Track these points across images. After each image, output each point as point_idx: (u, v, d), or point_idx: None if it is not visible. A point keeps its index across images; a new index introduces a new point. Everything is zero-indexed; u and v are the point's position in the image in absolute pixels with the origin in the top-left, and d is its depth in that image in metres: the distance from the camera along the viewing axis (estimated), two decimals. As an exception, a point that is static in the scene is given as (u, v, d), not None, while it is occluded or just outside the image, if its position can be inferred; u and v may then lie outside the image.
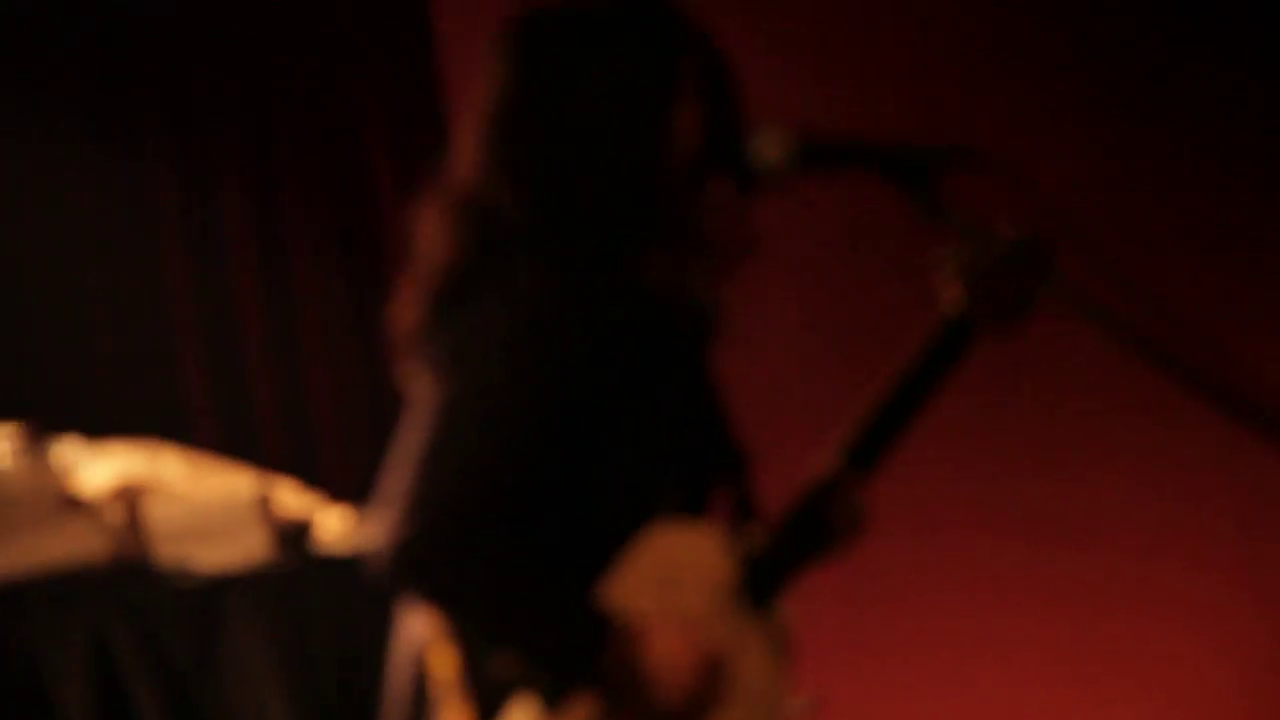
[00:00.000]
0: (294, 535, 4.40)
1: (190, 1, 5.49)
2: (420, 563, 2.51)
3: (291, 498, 4.61)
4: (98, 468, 4.34)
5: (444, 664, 2.64)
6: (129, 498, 4.31)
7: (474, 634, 2.61)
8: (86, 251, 5.51)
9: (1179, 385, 2.40)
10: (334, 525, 4.45)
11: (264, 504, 4.32)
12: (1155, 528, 4.92)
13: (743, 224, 2.72)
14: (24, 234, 5.47)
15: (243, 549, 4.26)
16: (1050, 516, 4.96)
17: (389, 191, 5.39)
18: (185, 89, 5.45)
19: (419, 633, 2.71)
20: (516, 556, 2.52)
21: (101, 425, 4.70)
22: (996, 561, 4.99)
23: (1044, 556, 4.95)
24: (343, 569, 4.19)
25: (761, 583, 2.71)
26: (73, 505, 4.20)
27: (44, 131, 5.48)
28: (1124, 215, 4.96)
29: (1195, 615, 4.85)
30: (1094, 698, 4.90)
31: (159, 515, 4.28)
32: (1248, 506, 4.85)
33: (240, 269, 5.47)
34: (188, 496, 4.35)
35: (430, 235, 2.66)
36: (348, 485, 4.67)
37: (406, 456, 2.57)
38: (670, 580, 2.64)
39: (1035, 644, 4.90)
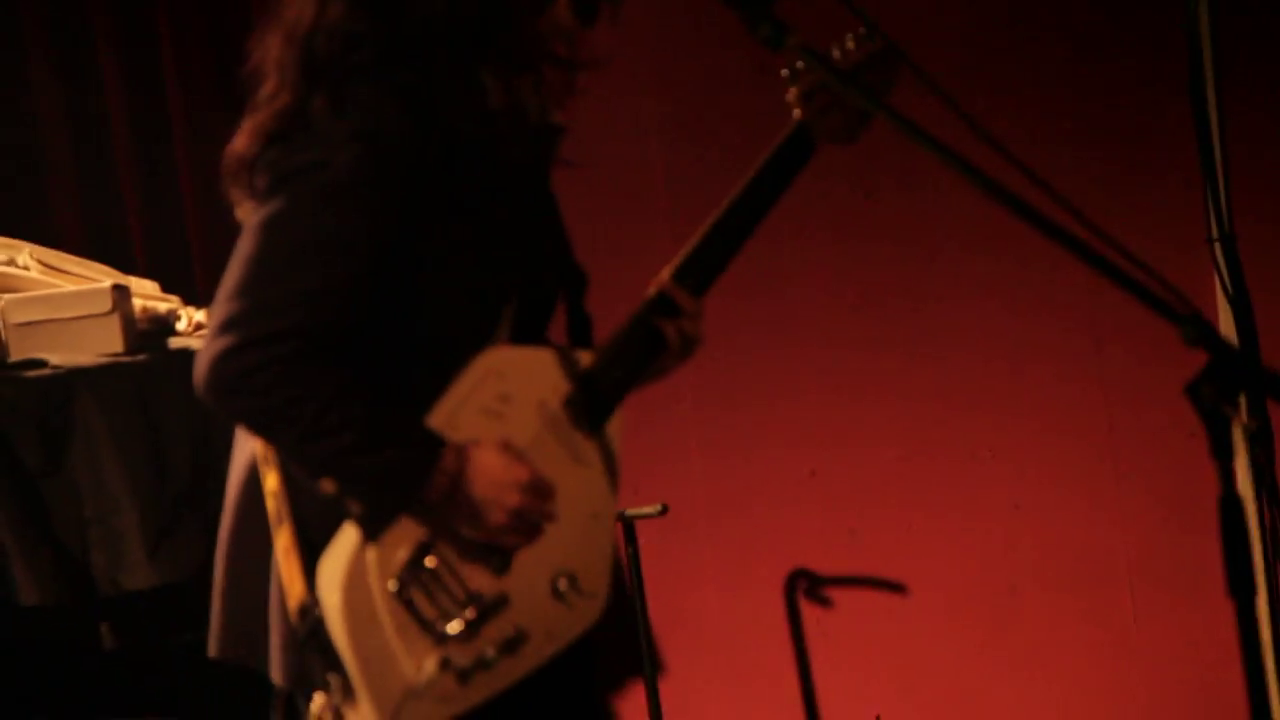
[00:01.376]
0: (151, 331, 4.39)
1: None
2: (230, 385, 2.48)
3: (151, 294, 4.59)
4: (-49, 264, 4.30)
5: (271, 481, 2.63)
6: (-18, 291, 4.28)
7: (288, 456, 2.58)
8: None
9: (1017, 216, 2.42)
10: (197, 320, 4.44)
11: (120, 298, 4.29)
12: (1014, 338, 4.99)
13: (582, 45, 2.72)
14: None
15: (98, 342, 4.24)
16: (913, 329, 5.03)
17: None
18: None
19: (251, 446, 2.69)
20: (331, 378, 2.48)
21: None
22: (855, 368, 5.06)
23: (902, 365, 5.02)
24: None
25: (597, 399, 2.74)
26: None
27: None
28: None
29: (1048, 416, 4.95)
30: (943, 490, 5.02)
31: (12, 309, 4.25)
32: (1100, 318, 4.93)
33: (112, 86, 5.38)
34: (43, 290, 4.32)
35: (265, 63, 2.62)
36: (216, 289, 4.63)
37: (229, 271, 2.53)
38: (498, 406, 2.63)
39: (888, 441, 4.99)
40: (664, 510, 4.58)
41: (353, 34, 2.56)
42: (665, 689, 4.95)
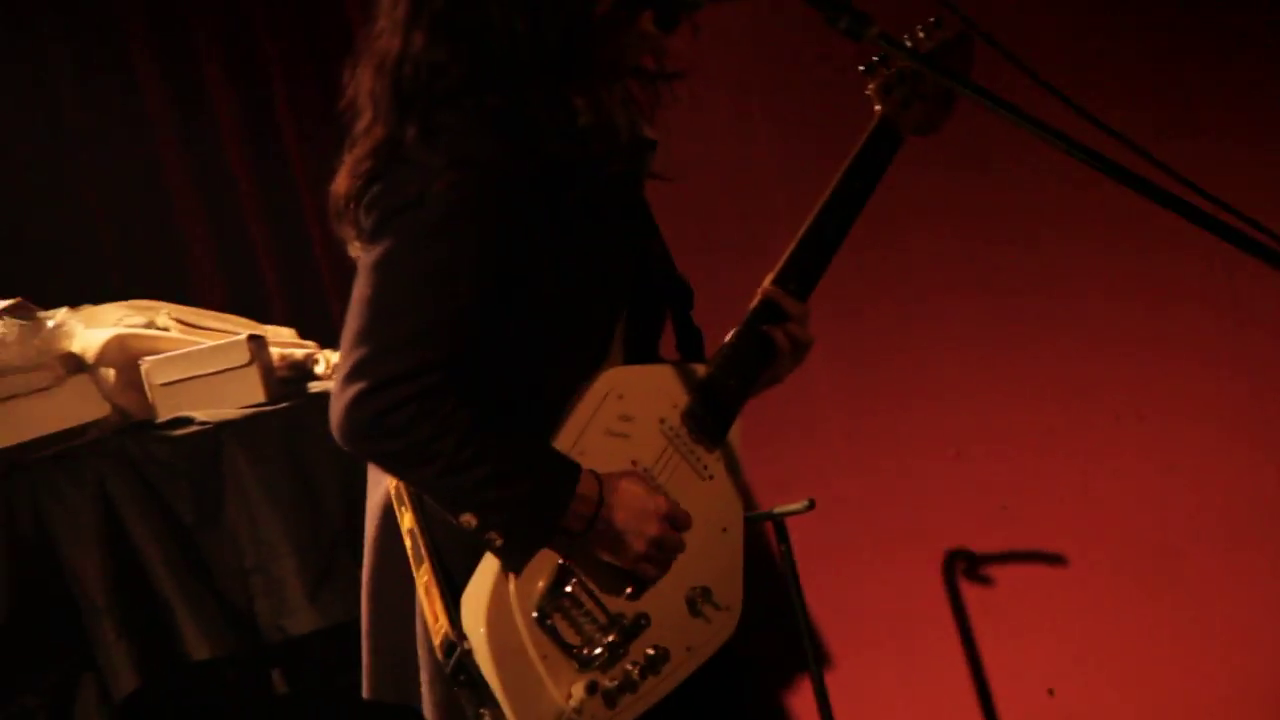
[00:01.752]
0: (291, 378, 4.46)
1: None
2: (366, 430, 2.50)
3: (288, 341, 4.67)
4: (94, 331, 4.39)
5: (407, 520, 2.66)
6: (126, 356, 4.37)
7: (427, 493, 2.60)
8: (79, 138, 5.52)
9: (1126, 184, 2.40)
10: (334, 363, 4.50)
11: (257, 348, 4.36)
12: (1148, 295, 4.94)
13: (669, 57, 2.73)
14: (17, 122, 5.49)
15: (240, 394, 4.31)
16: (1044, 301, 4.99)
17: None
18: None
19: (385, 487, 2.73)
20: (464, 411, 2.50)
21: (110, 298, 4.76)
22: (988, 342, 5.02)
23: (1035, 335, 4.99)
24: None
25: (715, 411, 2.75)
26: (72, 368, 4.24)
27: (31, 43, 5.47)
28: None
29: (1189, 371, 4.89)
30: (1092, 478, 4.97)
31: (156, 370, 4.34)
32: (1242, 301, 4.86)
33: (230, 138, 5.47)
34: (183, 348, 4.41)
35: (359, 97, 2.66)
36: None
37: (349, 316, 2.57)
38: (622, 426, 2.66)
39: (1031, 413, 4.96)
40: (811, 505, 4.58)
41: (437, 62, 2.58)
42: (833, 683, 4.95)
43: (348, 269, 5.38)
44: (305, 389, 4.45)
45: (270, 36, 5.48)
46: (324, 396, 4.35)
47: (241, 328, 4.62)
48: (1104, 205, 4.84)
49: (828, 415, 5.15)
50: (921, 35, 2.99)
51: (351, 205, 2.64)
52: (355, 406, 2.52)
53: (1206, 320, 4.87)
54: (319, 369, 4.51)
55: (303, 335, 4.76)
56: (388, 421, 2.49)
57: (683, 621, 2.69)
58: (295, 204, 5.51)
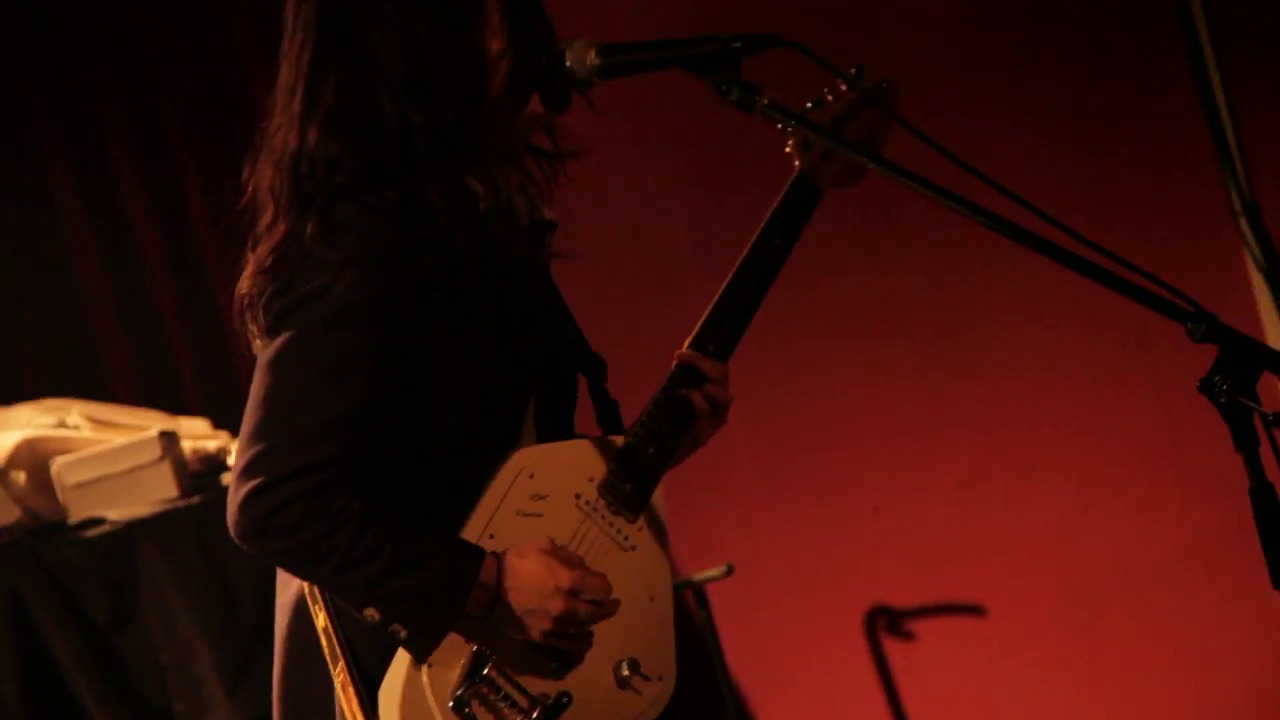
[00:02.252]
0: (204, 471, 4.44)
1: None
2: (260, 527, 2.48)
3: (201, 434, 4.65)
4: (3, 435, 4.35)
5: (321, 619, 2.63)
6: (35, 458, 4.34)
7: (327, 590, 2.59)
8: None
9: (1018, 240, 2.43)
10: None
11: (169, 444, 4.34)
12: (1057, 349, 5.00)
13: (561, 137, 2.73)
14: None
15: (152, 490, 4.29)
16: (956, 352, 5.03)
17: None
18: (71, 72, 5.41)
19: (297, 585, 2.69)
20: (359, 505, 2.49)
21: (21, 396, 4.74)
22: (902, 399, 5.06)
23: (949, 388, 5.03)
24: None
25: (635, 480, 2.74)
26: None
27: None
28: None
29: (1103, 419, 4.94)
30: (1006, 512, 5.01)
31: (66, 471, 4.31)
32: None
33: (141, 230, 5.46)
34: (94, 447, 4.38)
35: (259, 194, 2.64)
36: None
37: (247, 413, 2.54)
38: (534, 506, 2.64)
39: (946, 468, 4.99)
40: (730, 571, 4.59)
41: (333, 157, 2.58)
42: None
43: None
44: (218, 482, 4.43)
45: (181, 129, 5.48)
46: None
47: (154, 422, 4.60)
48: (1017, 251, 4.89)
49: (745, 476, 5.17)
50: (844, 88, 3.00)
51: (254, 302, 2.63)
52: (247, 504, 2.50)
53: (1121, 366, 4.93)
54: (232, 460, 4.48)
55: (217, 425, 4.74)
56: (279, 519, 2.49)
57: (611, 695, 2.67)
58: (206, 293, 5.50)
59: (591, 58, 2.60)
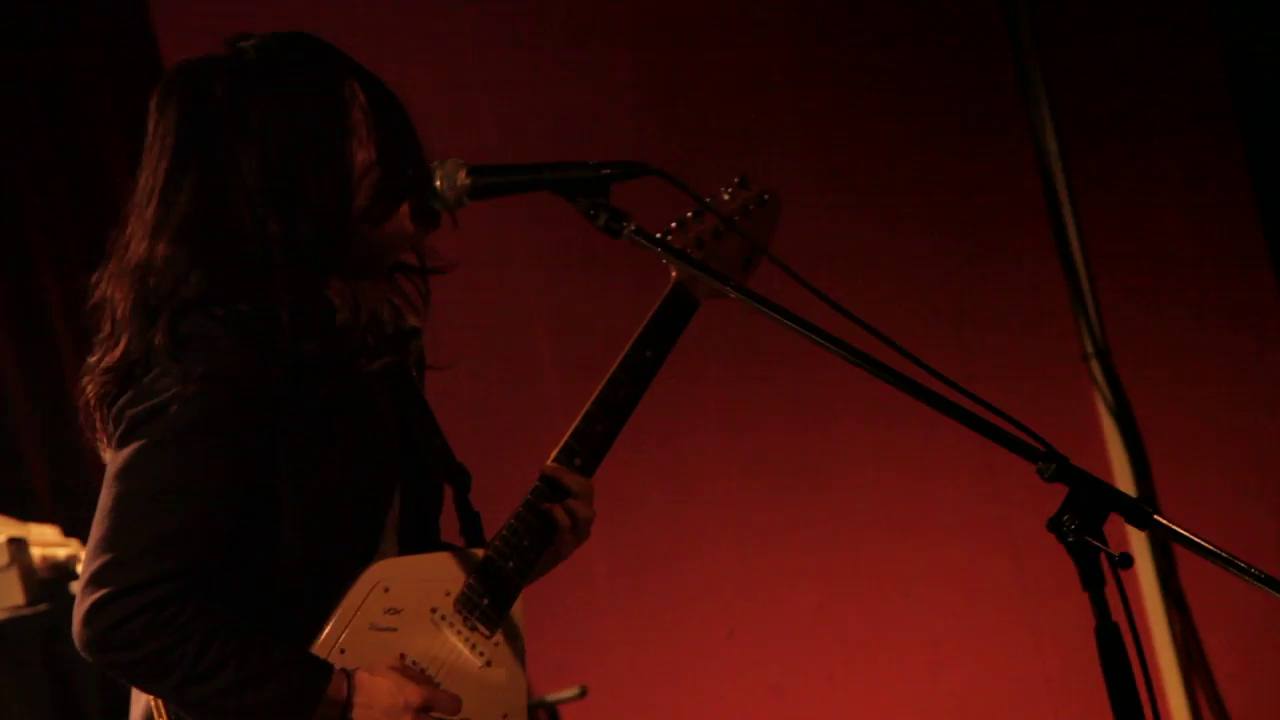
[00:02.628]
0: (52, 579, 4.39)
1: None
2: (102, 640, 2.45)
3: (51, 541, 4.59)
4: None
5: None
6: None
7: (173, 703, 2.54)
8: None
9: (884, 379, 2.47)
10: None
11: (17, 550, 4.29)
12: (913, 468, 5.06)
13: (427, 252, 2.73)
14: None
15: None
16: (814, 482, 5.09)
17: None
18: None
19: (145, 700, 2.62)
20: (204, 619, 2.47)
21: None
22: (759, 525, 5.10)
23: (806, 515, 5.07)
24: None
25: (493, 594, 2.72)
26: None
27: None
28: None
29: (954, 552, 5.01)
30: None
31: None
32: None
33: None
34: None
35: (106, 303, 2.61)
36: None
37: (94, 524, 2.51)
38: (388, 620, 2.62)
39: (801, 593, 5.03)
40: (583, 693, 4.58)
41: (181, 270, 2.56)
42: None
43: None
44: (67, 589, 4.37)
45: (41, 226, 5.45)
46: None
47: (2, 528, 4.53)
48: (873, 401, 4.97)
49: (601, 596, 5.17)
50: (726, 197, 3.00)
51: (99, 407, 2.61)
52: (91, 616, 2.48)
53: (971, 502, 5.00)
54: (80, 568, 4.42)
55: (67, 532, 4.68)
56: (122, 632, 2.46)
57: None
58: (59, 397, 5.44)
59: (462, 178, 2.62)
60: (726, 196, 3.00)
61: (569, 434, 2.83)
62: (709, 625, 5.12)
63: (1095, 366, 5.03)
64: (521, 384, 5.18)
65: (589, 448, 2.81)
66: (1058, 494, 4.88)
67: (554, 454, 2.82)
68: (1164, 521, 2.35)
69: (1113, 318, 5.05)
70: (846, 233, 5.04)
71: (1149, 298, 5.07)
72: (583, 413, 2.84)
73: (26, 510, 4.90)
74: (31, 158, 5.47)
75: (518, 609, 2.77)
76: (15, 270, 5.48)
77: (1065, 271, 5.03)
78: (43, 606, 4.28)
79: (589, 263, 5.07)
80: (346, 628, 2.60)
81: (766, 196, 3.02)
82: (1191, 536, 2.33)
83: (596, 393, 2.85)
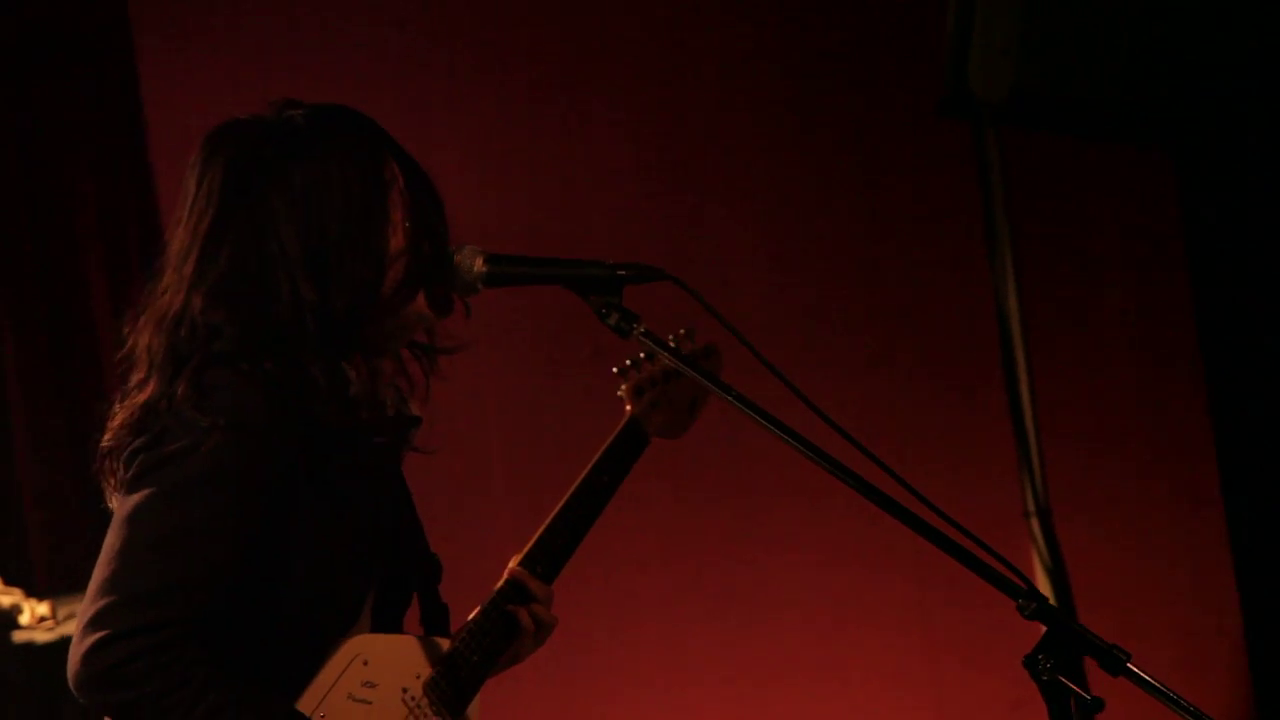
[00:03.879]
0: (-7, 625, 4.38)
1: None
2: (101, 680, 2.49)
3: (-8, 589, 4.58)
4: None
5: None
6: None
7: None
8: None
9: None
10: (40, 614, 4.43)
11: (-39, 595, 4.28)
12: (842, 600, 5.12)
13: (440, 336, 2.79)
14: None
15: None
16: (746, 588, 5.15)
17: (103, 304, 5.34)
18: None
19: None
20: (201, 666, 2.51)
21: None
22: (688, 641, 5.14)
23: (731, 624, 5.13)
24: (45, 657, 4.15)
25: (457, 684, 2.79)
26: None
27: None
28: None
29: (876, 675, 5.07)
30: None
31: None
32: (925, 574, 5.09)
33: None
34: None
35: (136, 351, 2.66)
36: (58, 582, 4.64)
37: (99, 564, 2.54)
38: (364, 692, 2.68)
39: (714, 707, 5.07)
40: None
41: (214, 324, 2.61)
42: None
43: (61, 524, 5.33)
44: (8, 638, 4.35)
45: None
46: (26, 648, 4.28)
47: (-56, 572, 4.52)
48: (808, 491, 5.04)
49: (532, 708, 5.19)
50: (673, 344, 3.11)
51: (114, 457, 2.64)
52: (91, 655, 2.51)
53: (894, 627, 5.06)
54: (24, 619, 4.42)
55: (7, 582, 4.66)
56: (122, 672, 2.50)
57: None
58: (8, 447, 5.43)
59: (479, 265, 2.69)
60: (672, 343, 3.10)
61: (532, 542, 2.95)
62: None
63: (1035, 524, 5.12)
64: (470, 476, 5.22)
65: (550, 558, 2.94)
66: (983, 643, 4.96)
67: (517, 559, 2.92)
68: (1136, 670, 2.41)
69: (1055, 480, 5.15)
70: (804, 348, 5.13)
71: (1093, 459, 5.18)
72: (545, 524, 2.97)
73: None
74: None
75: (476, 704, 2.85)
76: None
77: (1015, 427, 5.14)
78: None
79: (548, 361, 5.14)
80: (327, 694, 2.65)
81: (714, 349, 3.17)
82: (1161, 686, 2.40)
83: (558, 508, 2.99)
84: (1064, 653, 2.42)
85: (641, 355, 3.14)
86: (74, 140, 5.41)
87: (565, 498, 2.99)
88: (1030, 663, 2.42)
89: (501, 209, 5.08)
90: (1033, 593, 2.44)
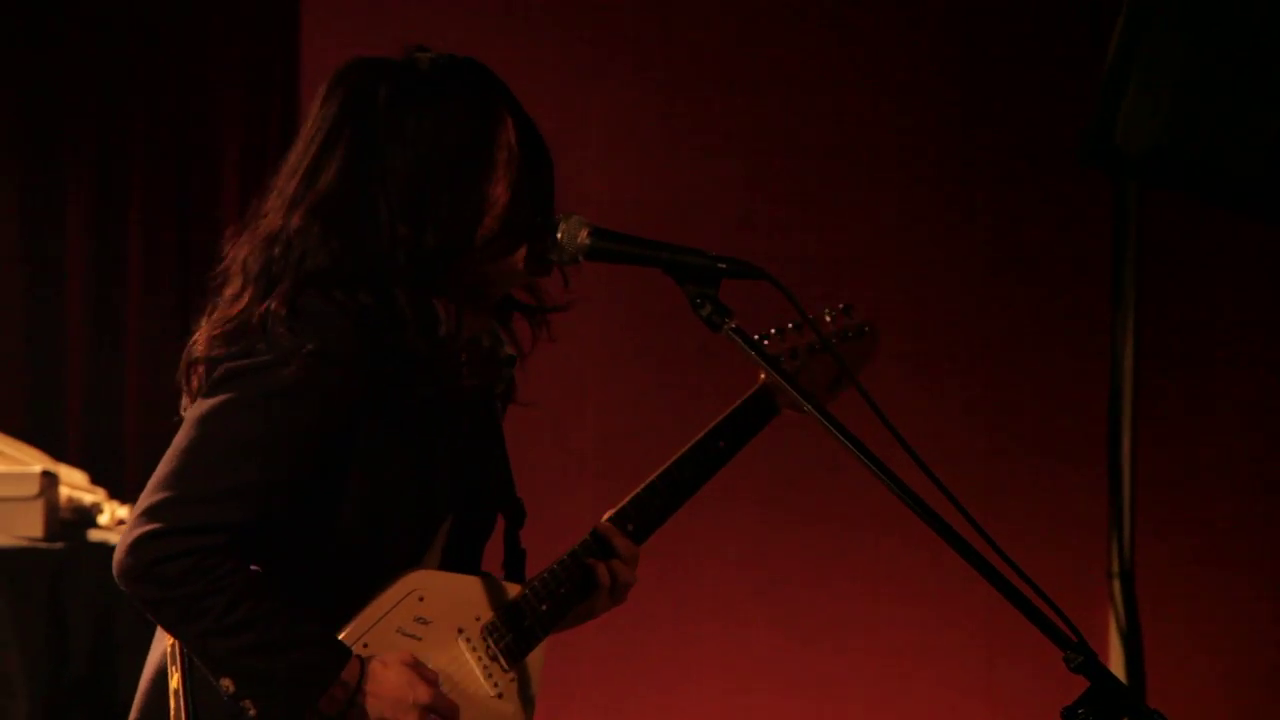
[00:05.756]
0: (73, 521, 4.44)
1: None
2: (142, 571, 2.51)
3: (79, 485, 4.65)
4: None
5: (174, 681, 2.64)
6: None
7: (192, 651, 2.60)
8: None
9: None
10: (119, 516, 4.50)
11: (48, 484, 4.35)
12: (910, 645, 5.10)
13: (537, 293, 2.80)
14: None
15: (18, 524, 4.28)
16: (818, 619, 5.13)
17: (233, 218, 5.38)
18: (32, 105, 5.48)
19: (163, 646, 2.69)
20: (243, 576, 2.53)
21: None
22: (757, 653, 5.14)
23: (800, 654, 5.11)
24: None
25: (520, 632, 2.78)
26: None
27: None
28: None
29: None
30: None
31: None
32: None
33: (74, 274, 5.49)
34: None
35: (232, 265, 2.69)
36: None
37: (164, 460, 2.57)
38: (415, 628, 2.67)
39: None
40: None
41: (311, 245, 2.64)
42: None
43: (155, 427, 5.40)
44: (84, 535, 4.43)
45: (141, 183, 5.55)
46: (99, 547, 4.36)
47: (36, 460, 4.59)
48: (891, 535, 5.01)
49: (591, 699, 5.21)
50: (827, 318, 3.08)
51: (200, 365, 2.68)
52: (137, 546, 2.54)
53: (958, 680, 5.03)
54: (102, 519, 4.50)
55: (94, 481, 4.74)
56: (162, 569, 2.52)
57: None
58: (119, 349, 5.52)
59: (583, 236, 2.70)
60: (828, 318, 3.09)
61: (629, 499, 2.91)
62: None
63: (1116, 586, 5.07)
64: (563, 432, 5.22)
65: (644, 518, 2.90)
66: (1047, 701, 4.92)
67: (610, 514, 2.90)
68: (1176, 736, 2.40)
69: (1142, 541, 5.10)
70: (905, 380, 5.11)
71: (1184, 528, 5.12)
72: (646, 483, 2.92)
73: (57, 451, 4.97)
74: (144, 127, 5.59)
75: (539, 655, 2.83)
76: (96, 218, 5.58)
77: (1110, 486, 5.09)
78: (58, 545, 4.33)
79: (653, 343, 5.15)
80: (374, 625, 2.66)
81: (866, 329, 3.11)
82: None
83: (664, 467, 2.94)
84: (1104, 710, 2.41)
85: (790, 325, 3.04)
86: (225, 42, 5.52)
87: (674, 458, 2.94)
88: (1069, 715, 2.41)
89: (614, 192, 5.10)
90: (1082, 646, 2.43)
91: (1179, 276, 5.25)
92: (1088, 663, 2.42)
